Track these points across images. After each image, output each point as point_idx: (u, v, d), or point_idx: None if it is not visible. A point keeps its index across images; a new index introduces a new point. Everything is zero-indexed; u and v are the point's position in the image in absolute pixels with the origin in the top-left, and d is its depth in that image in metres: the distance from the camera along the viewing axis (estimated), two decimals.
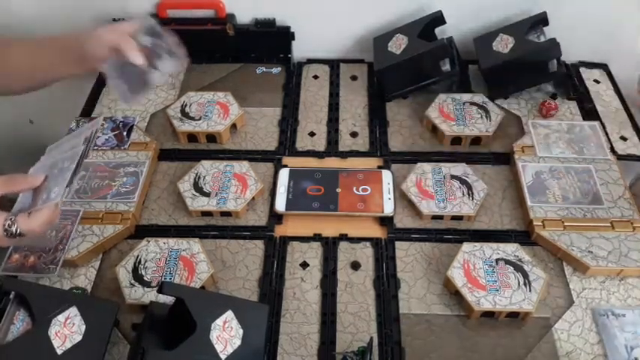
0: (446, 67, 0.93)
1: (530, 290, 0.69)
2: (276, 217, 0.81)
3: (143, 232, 0.79)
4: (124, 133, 0.90)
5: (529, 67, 0.92)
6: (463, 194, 0.80)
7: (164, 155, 0.90)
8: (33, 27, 1.04)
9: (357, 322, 0.70)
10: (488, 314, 0.69)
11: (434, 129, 0.91)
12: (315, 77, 1.03)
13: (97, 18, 1.03)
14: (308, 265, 0.76)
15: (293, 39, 1.04)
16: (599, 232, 0.75)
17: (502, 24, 0.97)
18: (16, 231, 0.61)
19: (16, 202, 0.65)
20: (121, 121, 0.92)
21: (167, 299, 0.63)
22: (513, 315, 0.69)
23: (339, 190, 0.82)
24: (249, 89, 0.99)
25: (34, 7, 1.02)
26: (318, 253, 0.77)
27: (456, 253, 0.73)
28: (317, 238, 0.79)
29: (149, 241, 0.75)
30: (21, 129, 1.27)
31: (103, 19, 1.03)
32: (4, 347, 0.60)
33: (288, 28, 1.02)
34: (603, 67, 1.02)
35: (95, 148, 0.88)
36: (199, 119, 0.90)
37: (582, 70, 1.02)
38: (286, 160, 0.89)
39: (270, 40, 1.03)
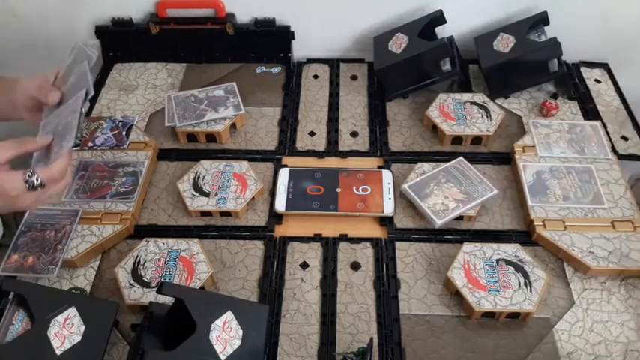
0: (446, 66, 0.93)
1: (530, 290, 0.69)
2: (276, 217, 0.81)
3: (142, 232, 0.79)
4: (124, 133, 0.89)
5: (530, 66, 0.92)
6: None
7: (163, 155, 0.90)
8: (33, 27, 1.04)
9: (357, 322, 0.70)
10: (489, 315, 0.69)
11: (434, 129, 0.91)
12: (315, 77, 1.03)
13: (98, 18, 1.03)
14: (308, 265, 0.76)
15: (293, 39, 1.03)
16: (600, 233, 0.75)
17: (503, 23, 0.97)
18: (37, 181, 0.63)
19: (32, 162, 0.68)
20: (120, 121, 0.92)
21: (167, 299, 0.63)
22: (514, 315, 0.69)
23: (339, 190, 0.82)
24: (249, 89, 0.99)
25: (34, 7, 1.02)
26: (318, 253, 0.77)
27: (457, 253, 0.72)
28: (317, 238, 0.78)
29: (148, 242, 0.75)
30: (20, 129, 1.27)
31: (103, 19, 1.03)
32: (3, 347, 0.60)
33: (288, 27, 1.02)
34: (604, 66, 1.02)
35: (94, 148, 0.87)
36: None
37: (583, 69, 1.02)
38: (286, 160, 0.89)
39: (270, 40, 1.03)
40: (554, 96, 0.96)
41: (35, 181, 0.63)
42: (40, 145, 0.67)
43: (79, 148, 0.88)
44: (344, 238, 0.78)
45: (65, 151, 0.65)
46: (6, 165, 0.63)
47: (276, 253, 0.77)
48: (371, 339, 0.64)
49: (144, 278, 0.71)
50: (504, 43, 0.92)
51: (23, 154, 0.66)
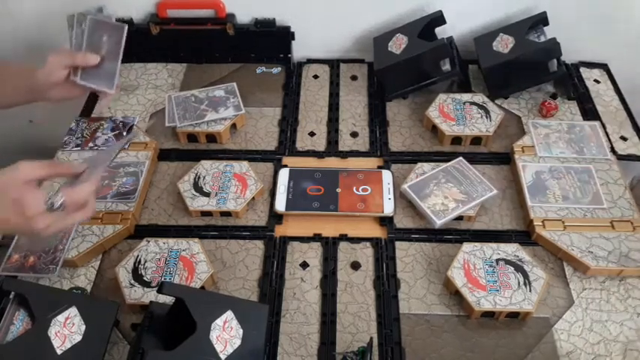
0: (446, 66, 0.93)
1: (530, 290, 0.69)
2: (276, 217, 0.81)
3: (143, 232, 0.79)
4: (124, 133, 0.90)
5: (529, 67, 0.92)
6: None
7: (164, 155, 0.90)
8: (33, 27, 1.04)
9: (357, 322, 0.70)
10: (489, 314, 0.69)
11: (434, 129, 0.91)
12: (315, 77, 1.03)
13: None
14: (308, 265, 0.76)
15: (293, 39, 1.04)
16: (600, 232, 0.75)
17: (502, 24, 0.97)
18: (59, 202, 0.62)
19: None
20: (120, 121, 0.92)
21: (167, 299, 0.63)
22: (513, 315, 0.69)
23: (339, 190, 0.82)
24: (249, 89, 0.99)
25: (34, 7, 1.02)
26: (318, 253, 0.77)
27: (456, 253, 0.73)
28: (317, 238, 0.79)
29: (149, 241, 0.75)
30: (20, 129, 1.27)
31: None
32: (4, 347, 0.60)
33: (288, 28, 1.02)
34: (603, 66, 1.02)
35: (95, 148, 0.88)
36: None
37: (582, 69, 1.02)
38: (286, 160, 0.89)
39: (270, 40, 1.03)
40: (554, 96, 0.97)
41: (56, 202, 0.62)
42: (73, 172, 0.65)
43: (79, 148, 0.88)
44: (344, 238, 0.79)
45: (94, 177, 0.64)
46: (33, 182, 0.62)
47: (276, 253, 0.77)
48: (371, 338, 0.64)
49: (144, 278, 0.71)
50: (504, 44, 0.92)
51: (54, 175, 0.65)
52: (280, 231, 0.80)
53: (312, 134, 0.93)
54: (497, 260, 0.72)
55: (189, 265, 0.72)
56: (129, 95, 0.99)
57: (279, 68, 1.05)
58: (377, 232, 0.79)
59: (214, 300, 0.63)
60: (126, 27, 0.76)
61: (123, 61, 1.08)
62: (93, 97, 0.99)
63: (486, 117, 0.90)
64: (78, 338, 0.62)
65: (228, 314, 0.61)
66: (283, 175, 0.84)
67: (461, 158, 0.84)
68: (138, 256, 0.73)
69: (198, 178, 0.83)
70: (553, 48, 0.88)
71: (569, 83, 0.97)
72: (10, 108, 0.82)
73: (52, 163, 0.64)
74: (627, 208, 0.78)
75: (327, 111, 0.97)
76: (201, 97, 0.93)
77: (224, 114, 0.90)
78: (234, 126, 0.92)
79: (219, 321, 0.60)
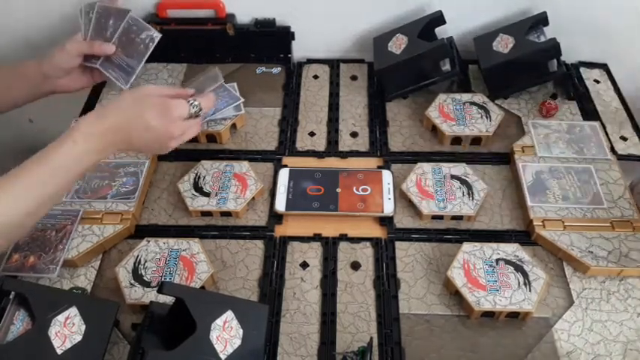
0: (446, 67, 0.93)
1: (530, 290, 0.69)
2: (276, 217, 0.81)
3: (143, 232, 0.79)
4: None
5: (529, 67, 0.92)
6: (463, 194, 0.80)
7: (164, 155, 0.89)
8: (33, 27, 1.04)
9: (357, 322, 0.70)
10: (489, 314, 0.69)
11: (434, 129, 0.91)
12: (315, 77, 1.03)
13: None
14: (308, 265, 0.76)
15: (293, 39, 1.04)
16: (600, 232, 0.75)
17: (502, 24, 0.97)
18: (198, 107, 0.74)
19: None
20: None
21: (167, 299, 0.63)
22: (513, 315, 0.69)
23: (339, 190, 0.82)
24: (249, 89, 0.99)
25: (34, 8, 1.02)
26: (318, 253, 0.77)
27: (456, 253, 0.73)
28: (317, 238, 0.79)
29: (149, 241, 0.75)
30: (20, 128, 1.27)
31: None
32: (4, 347, 0.60)
33: (288, 28, 1.02)
34: (603, 67, 1.02)
35: None
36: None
37: (582, 70, 1.02)
38: (286, 160, 0.89)
39: (270, 40, 1.03)
40: (554, 96, 0.97)
41: (197, 105, 0.74)
42: (185, 94, 0.77)
43: None
44: (344, 237, 0.79)
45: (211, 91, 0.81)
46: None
47: (276, 252, 0.77)
48: (371, 338, 0.64)
49: (144, 278, 0.71)
50: (504, 44, 0.92)
51: (174, 96, 0.74)
52: (280, 231, 0.80)
53: (312, 134, 0.93)
54: (497, 260, 0.72)
55: (189, 265, 0.72)
56: None
57: (279, 68, 1.05)
58: (377, 232, 0.80)
59: (214, 300, 0.63)
60: (130, 11, 0.84)
61: None
62: (93, 97, 0.99)
63: (486, 117, 0.90)
64: (78, 338, 0.62)
65: (228, 314, 0.61)
66: (283, 175, 0.84)
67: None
68: (138, 256, 0.73)
69: (198, 178, 0.83)
70: (553, 48, 0.88)
71: (569, 83, 0.97)
72: (17, 107, 0.84)
73: (170, 87, 0.80)
74: (627, 208, 0.78)
75: (327, 111, 0.97)
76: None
77: (224, 114, 0.90)
78: (234, 126, 0.92)
79: (219, 321, 0.60)
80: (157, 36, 0.85)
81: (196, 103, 0.74)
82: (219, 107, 0.87)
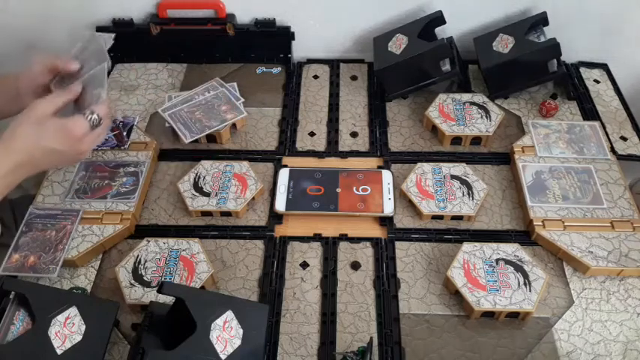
0: (446, 67, 0.93)
1: (530, 290, 0.69)
2: (276, 217, 0.81)
3: (143, 232, 0.79)
4: (124, 133, 0.90)
5: (529, 67, 0.92)
6: (463, 194, 0.80)
7: (164, 155, 0.90)
8: (34, 27, 1.04)
9: (357, 322, 0.70)
10: (489, 314, 0.69)
11: (434, 129, 0.91)
12: (315, 77, 1.03)
13: (98, 19, 1.03)
14: (308, 265, 0.76)
15: (293, 39, 1.04)
16: (600, 232, 0.75)
17: (502, 24, 0.97)
18: (98, 117, 0.70)
19: (73, 113, 0.73)
20: (120, 122, 0.92)
21: (167, 299, 0.63)
22: (513, 315, 0.69)
23: (339, 190, 0.82)
24: (249, 89, 0.99)
25: (35, 8, 1.02)
26: (318, 253, 0.77)
27: (456, 253, 0.73)
28: (317, 238, 0.79)
29: (149, 241, 0.75)
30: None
31: (103, 20, 1.03)
32: (4, 347, 0.60)
33: (288, 28, 1.02)
34: (603, 67, 1.02)
35: (95, 148, 0.87)
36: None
37: (582, 70, 1.02)
38: (286, 160, 0.89)
39: (270, 40, 1.03)
40: (554, 96, 0.97)
41: (97, 118, 0.70)
42: (75, 92, 0.72)
43: None
44: (344, 237, 0.79)
45: (104, 95, 0.71)
46: (55, 115, 0.68)
47: (276, 252, 0.77)
48: (371, 338, 0.64)
49: (144, 278, 0.71)
50: (504, 44, 0.92)
51: (67, 102, 0.71)
52: (280, 231, 0.80)
53: (312, 134, 0.93)
54: (497, 260, 0.72)
55: (189, 265, 0.72)
56: (129, 95, 0.99)
57: (279, 68, 1.05)
58: (377, 232, 0.80)
59: (214, 300, 0.63)
60: (107, 62, 0.74)
61: (124, 61, 1.09)
62: None
63: (486, 117, 0.90)
64: (78, 338, 0.62)
65: (229, 314, 0.61)
66: (283, 175, 0.84)
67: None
68: (138, 256, 0.73)
69: (199, 178, 0.83)
70: (553, 48, 0.88)
71: (569, 83, 0.97)
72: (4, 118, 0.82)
73: (60, 94, 0.70)
74: (627, 208, 0.78)
75: (327, 111, 0.97)
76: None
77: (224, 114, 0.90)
78: (234, 126, 0.92)
79: (219, 321, 0.60)
80: (106, 60, 0.76)
81: (94, 116, 0.69)
82: (85, 70, 0.77)
